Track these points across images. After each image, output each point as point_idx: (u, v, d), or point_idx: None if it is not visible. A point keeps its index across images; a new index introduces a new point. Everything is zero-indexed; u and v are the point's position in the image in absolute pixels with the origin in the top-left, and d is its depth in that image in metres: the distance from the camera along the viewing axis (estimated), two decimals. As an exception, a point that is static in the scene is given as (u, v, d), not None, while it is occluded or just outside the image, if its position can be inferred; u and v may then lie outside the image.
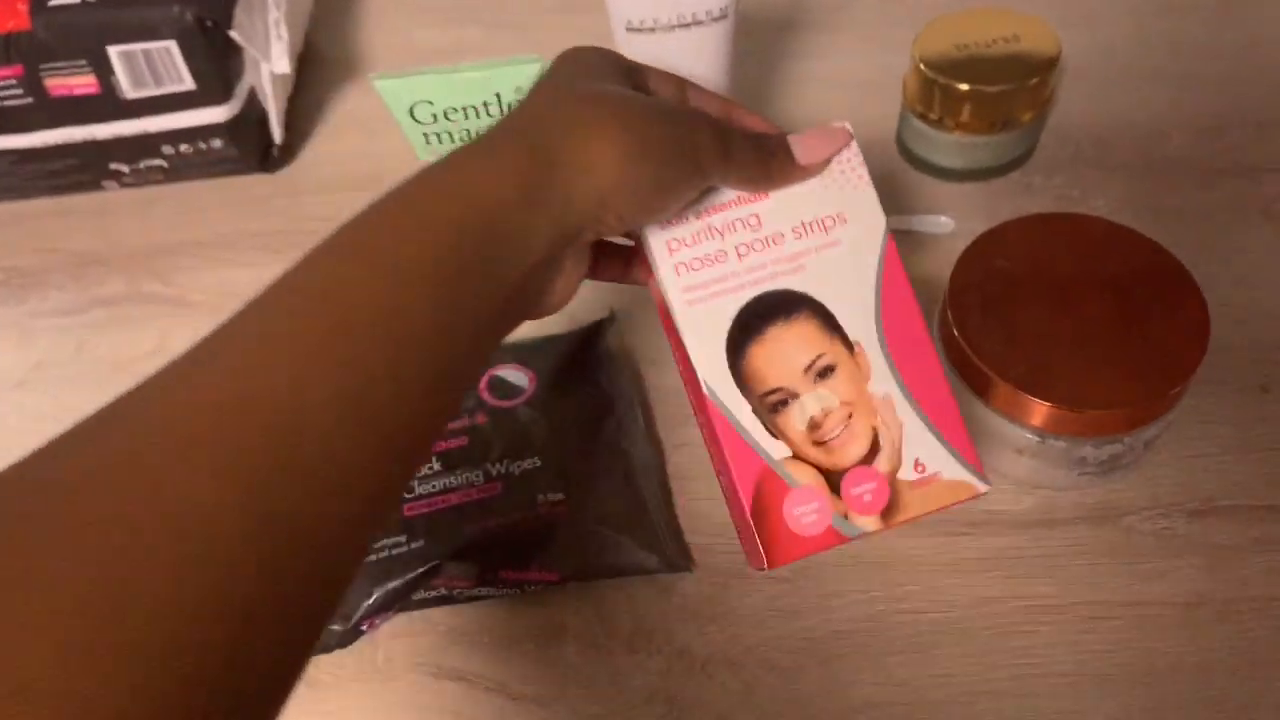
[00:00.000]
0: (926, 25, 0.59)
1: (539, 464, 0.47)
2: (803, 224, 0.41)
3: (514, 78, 0.45)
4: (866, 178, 0.41)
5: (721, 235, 0.41)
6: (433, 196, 0.29)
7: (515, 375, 0.50)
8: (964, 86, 0.56)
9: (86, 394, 0.56)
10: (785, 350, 0.40)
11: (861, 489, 0.40)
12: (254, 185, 0.65)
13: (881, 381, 0.40)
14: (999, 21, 0.58)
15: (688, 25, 0.46)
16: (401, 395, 0.26)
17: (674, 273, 0.40)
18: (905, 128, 0.61)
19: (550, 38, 0.72)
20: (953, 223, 0.58)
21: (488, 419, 0.49)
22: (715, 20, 0.46)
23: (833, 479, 0.40)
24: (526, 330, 0.55)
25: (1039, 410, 0.44)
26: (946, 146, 0.59)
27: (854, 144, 0.42)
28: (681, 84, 0.39)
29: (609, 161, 0.32)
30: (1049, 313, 0.46)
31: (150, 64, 0.57)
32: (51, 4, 0.56)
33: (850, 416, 0.40)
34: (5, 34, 0.56)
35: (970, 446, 0.40)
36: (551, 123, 0.31)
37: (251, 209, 0.64)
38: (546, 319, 0.55)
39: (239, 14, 0.58)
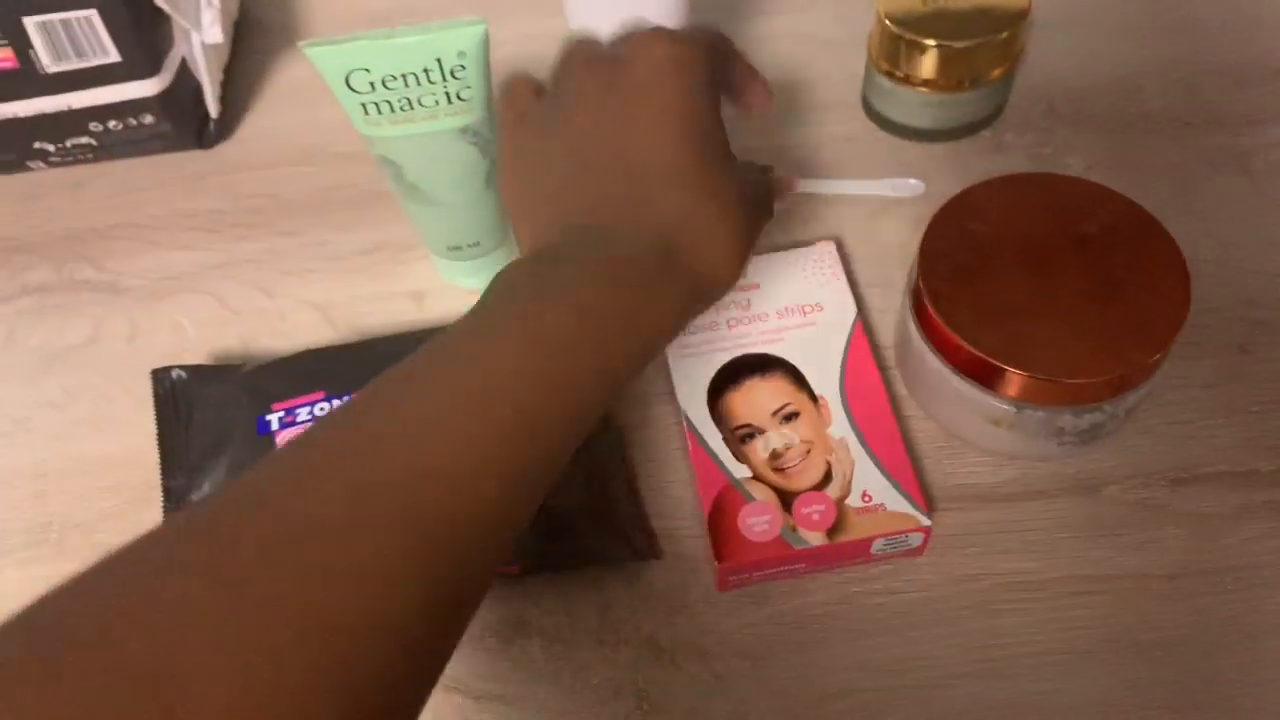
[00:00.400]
0: (891, -22, 0.56)
1: (495, 451, 0.45)
2: (785, 308, 0.50)
3: (455, 41, 0.42)
4: (843, 277, 0.51)
5: (715, 310, 0.49)
6: (599, 311, 0.32)
7: (468, 357, 0.48)
8: (930, 42, 0.53)
9: (17, 388, 0.53)
10: (758, 397, 0.47)
11: (811, 509, 0.44)
12: (189, 162, 0.62)
13: (840, 427, 0.46)
14: (966, -27, 0.56)
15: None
16: (554, 465, 0.30)
17: None
18: (871, 86, 0.59)
19: (499, -1, 0.69)
20: (922, 185, 0.56)
21: (440, 405, 0.46)
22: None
23: (786, 499, 0.45)
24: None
25: (1015, 380, 0.42)
26: (914, 105, 0.57)
27: (834, 250, 0.51)
28: (743, 68, 0.40)
29: (725, 286, 0.36)
30: (1024, 278, 0.44)
31: (71, 35, 0.53)
32: (-40, -28, 0.52)
33: (808, 452, 0.46)
34: (-88, 6, 0.52)
35: (916, 485, 0.44)
36: (692, 252, 0.34)
37: (187, 187, 0.61)
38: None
39: (164, -20, 0.55)
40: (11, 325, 0.56)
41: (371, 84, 0.43)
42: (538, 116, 0.38)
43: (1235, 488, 0.46)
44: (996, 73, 0.55)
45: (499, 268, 0.53)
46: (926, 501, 0.45)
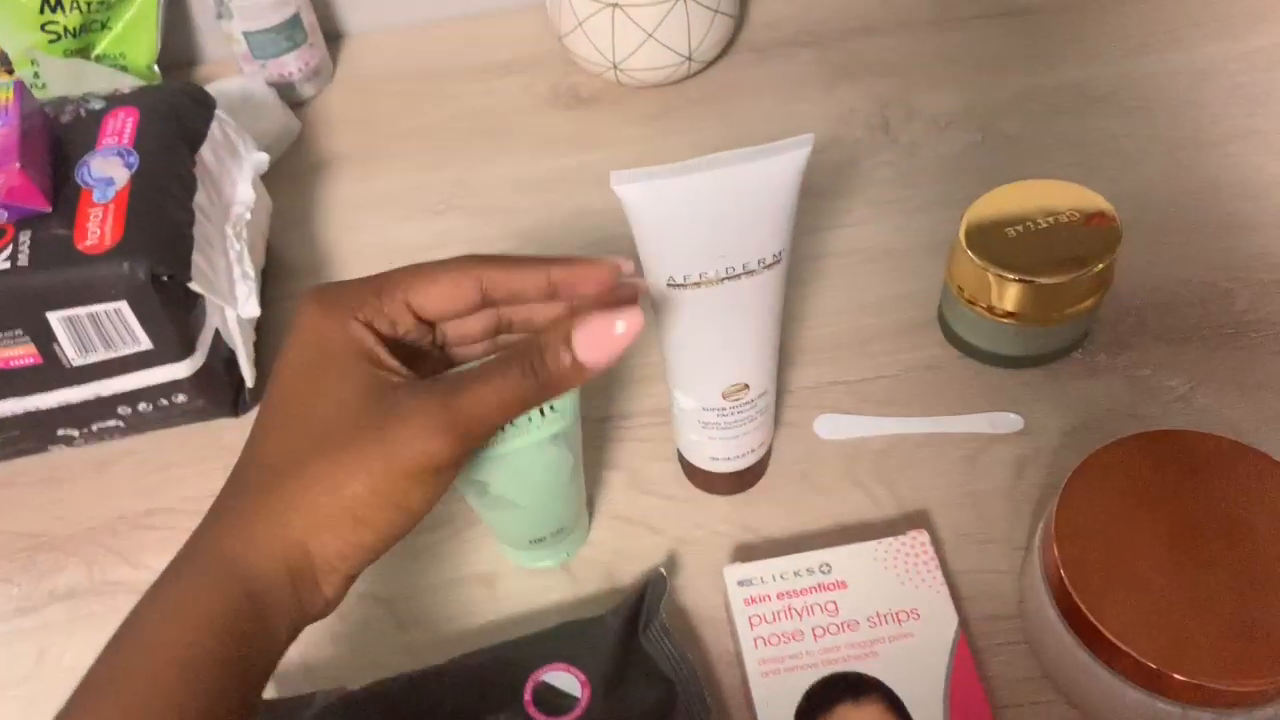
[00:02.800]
0: (972, 204, 0.53)
1: (608, 797, 0.40)
2: (878, 614, 0.44)
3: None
4: (941, 578, 0.45)
5: (800, 616, 0.44)
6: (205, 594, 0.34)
7: (565, 680, 0.43)
8: (1016, 277, 0.50)
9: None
10: None
11: None
12: (223, 431, 0.57)
13: None
14: (1051, 195, 0.52)
15: (737, 276, 0.39)
16: None
17: (753, 645, 0.44)
18: (950, 309, 0.55)
19: (535, 222, 0.65)
20: (1021, 420, 0.53)
21: (541, 744, 0.42)
22: (768, 267, 0.40)
23: None
24: (569, 606, 0.48)
25: (1180, 686, 0.38)
26: (1000, 334, 0.53)
27: (929, 544, 0.46)
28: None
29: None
30: (1174, 563, 0.40)
31: (99, 328, 0.49)
32: (-22, 269, 0.48)
33: None
34: (-76, 307, 0.48)
35: None
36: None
37: (221, 462, 0.56)
38: (583, 586, 0.48)
39: (197, 259, 0.51)
40: (42, 643, 0.50)
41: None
42: None
43: None
44: (1088, 303, 0.52)
45: (574, 543, 0.49)
46: None
